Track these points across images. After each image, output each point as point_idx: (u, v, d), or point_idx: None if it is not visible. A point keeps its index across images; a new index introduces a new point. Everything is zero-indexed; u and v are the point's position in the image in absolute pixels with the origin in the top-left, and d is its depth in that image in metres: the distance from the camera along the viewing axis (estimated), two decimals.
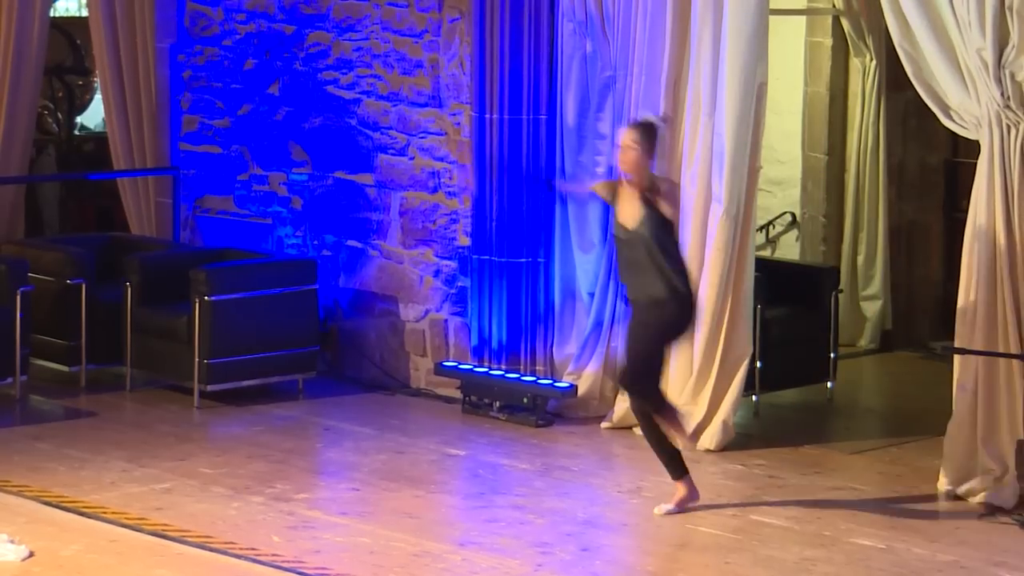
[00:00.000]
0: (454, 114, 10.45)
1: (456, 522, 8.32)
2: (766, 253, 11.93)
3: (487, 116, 10.14)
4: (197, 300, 10.05)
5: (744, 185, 9.44)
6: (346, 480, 8.90)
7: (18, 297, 9.99)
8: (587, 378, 9.91)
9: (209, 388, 10.10)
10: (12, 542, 7.52)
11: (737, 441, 9.45)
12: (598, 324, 9.93)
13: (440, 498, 8.61)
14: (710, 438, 9.36)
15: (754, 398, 10.00)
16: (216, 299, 10.07)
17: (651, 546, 7.99)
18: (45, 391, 10.28)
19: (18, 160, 11.62)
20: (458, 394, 10.17)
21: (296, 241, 11.19)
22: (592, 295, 9.99)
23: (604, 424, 9.80)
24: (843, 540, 7.95)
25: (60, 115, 13.33)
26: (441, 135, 10.53)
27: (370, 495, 8.59)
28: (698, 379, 9.45)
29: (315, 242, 11.07)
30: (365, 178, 10.85)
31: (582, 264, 10.05)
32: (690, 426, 8.66)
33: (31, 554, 7.49)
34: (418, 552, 7.71)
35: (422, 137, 10.60)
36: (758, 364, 9.83)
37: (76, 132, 13.47)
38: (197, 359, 10.05)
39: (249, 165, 11.39)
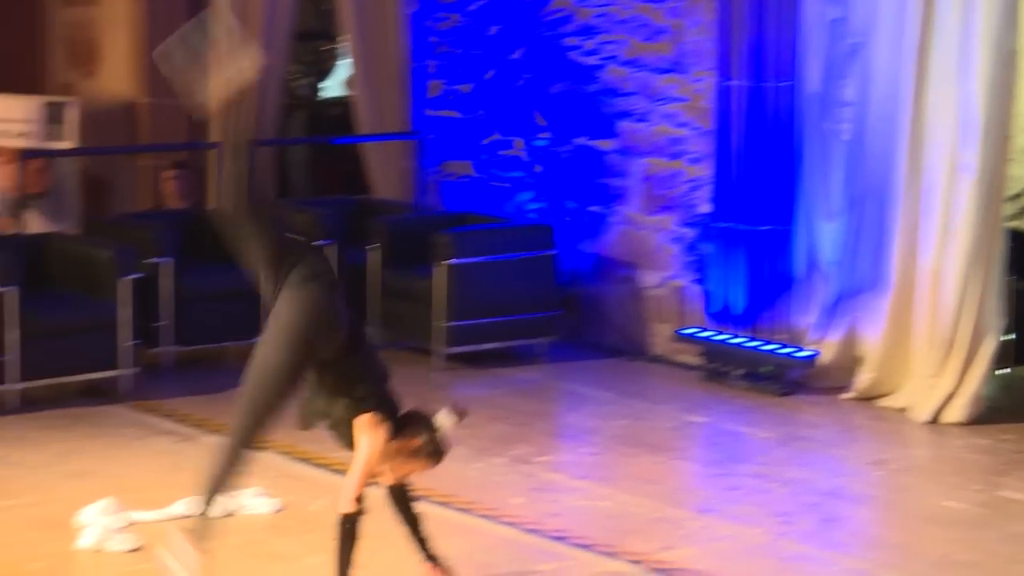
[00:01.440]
0: (696, 80, 10.40)
1: (696, 489, 8.30)
2: (1017, 224, 11.65)
3: (730, 82, 10.08)
4: (439, 263, 10.17)
5: (994, 154, 9.24)
6: (586, 444, 8.94)
7: None
8: (829, 348, 9.81)
9: (451, 351, 10.21)
10: (263, 495, 7.70)
11: (986, 415, 9.27)
12: (841, 293, 9.82)
13: (680, 464, 8.60)
14: (957, 410, 9.21)
15: (1004, 371, 9.79)
16: (457, 263, 10.18)
17: (895, 519, 7.88)
18: None
19: (268, 124, 11.86)
20: (698, 361, 10.15)
21: (536, 206, 11.25)
22: (835, 264, 9.88)
23: (846, 395, 9.69)
24: None
25: (308, 80, 13.56)
26: (683, 101, 10.49)
27: (610, 460, 8.61)
28: (946, 351, 9.28)
29: (556, 207, 11.12)
30: (606, 144, 10.86)
31: (825, 233, 9.94)
32: None
33: (281, 507, 7.67)
34: (658, 517, 7.71)
35: (664, 103, 10.57)
36: (1009, 336, 9.63)
37: (322, 96, 13.70)
38: (439, 322, 10.17)
39: (491, 130, 11.48)
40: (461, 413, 6.32)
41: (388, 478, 6.33)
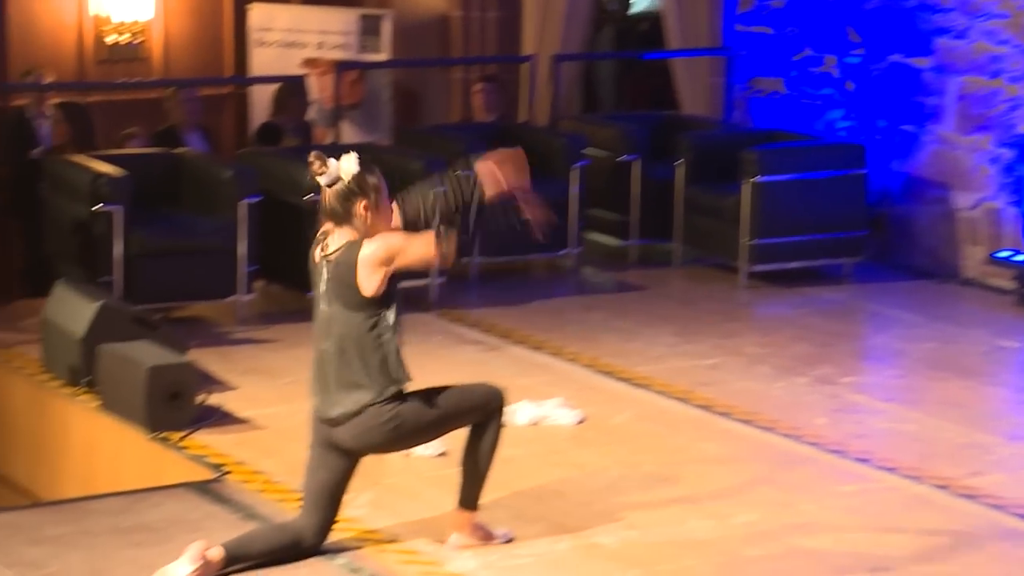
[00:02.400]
0: None
1: (1007, 415, 8.10)
2: None
3: None
4: (746, 181, 10.08)
5: None
6: (892, 366, 8.80)
7: (575, 171, 10.25)
8: None
9: (755, 268, 10.13)
10: (566, 407, 7.76)
11: None
12: None
13: (991, 390, 8.40)
14: None
15: None
16: (765, 180, 10.07)
17: None
18: (597, 263, 10.54)
19: (578, 39, 11.88)
20: (1011, 285, 9.88)
21: (847, 124, 11.06)
22: None
23: None
24: None
25: None
26: (1004, 18, 10.16)
27: (917, 383, 8.46)
28: None
29: (867, 126, 10.92)
30: (922, 61, 10.60)
31: None
32: None
33: (583, 419, 7.73)
34: (966, 443, 7.55)
35: (984, 20, 10.26)
36: None
37: (632, 11, 13.66)
38: (745, 239, 10.09)
39: (802, 46, 11.30)
40: (362, 163, 5.96)
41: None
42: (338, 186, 5.93)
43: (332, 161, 5.95)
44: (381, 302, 5.96)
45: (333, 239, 6.00)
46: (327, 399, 6.04)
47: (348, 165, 5.95)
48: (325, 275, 6.01)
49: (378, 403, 5.99)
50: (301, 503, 6.19)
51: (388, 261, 5.92)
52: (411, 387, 6.09)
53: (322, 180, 5.94)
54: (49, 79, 11.02)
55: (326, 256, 6.00)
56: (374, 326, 5.96)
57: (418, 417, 6.05)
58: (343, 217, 5.95)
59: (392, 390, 6.00)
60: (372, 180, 5.95)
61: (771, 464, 7.28)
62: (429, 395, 6.10)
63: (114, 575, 6.05)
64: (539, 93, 11.60)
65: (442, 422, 6.13)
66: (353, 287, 5.93)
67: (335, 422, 6.02)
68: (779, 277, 10.15)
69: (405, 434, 6.08)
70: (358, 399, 5.98)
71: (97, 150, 9.98)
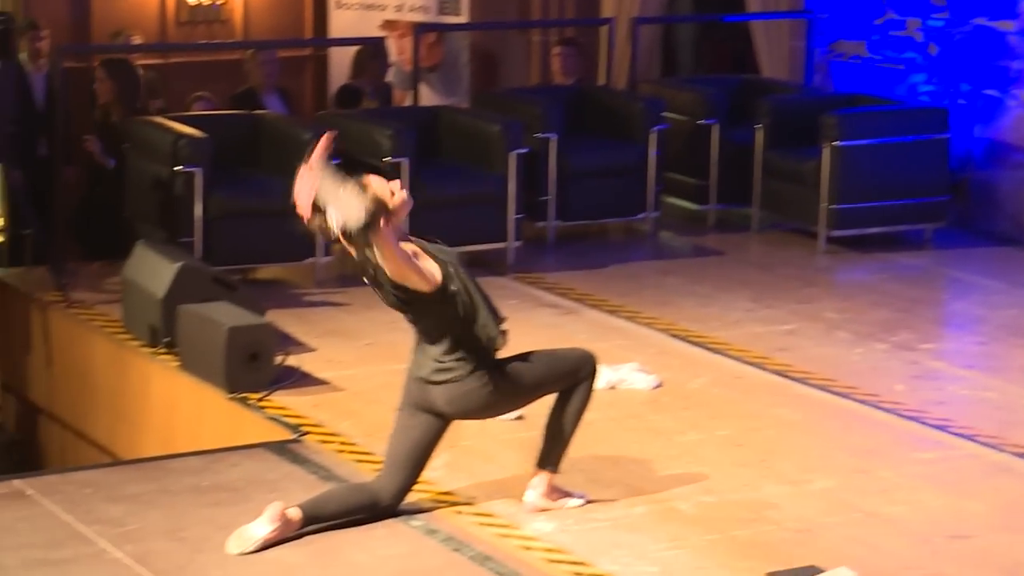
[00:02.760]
0: None
1: None
2: None
3: None
4: (827, 145, 10.01)
5: None
6: (973, 333, 8.73)
7: (653, 135, 10.22)
8: None
9: (834, 233, 10.07)
10: (643, 371, 7.75)
11: None
12: None
13: None
14: None
15: None
16: (846, 145, 10.00)
17: None
18: (675, 227, 10.51)
19: (657, 1, 11.82)
20: None
21: (929, 88, 10.95)
22: None
23: None
24: None
25: None
26: None
27: (998, 350, 8.39)
28: None
29: (949, 90, 10.81)
30: (1007, 25, 10.48)
31: None
32: None
33: (660, 384, 7.72)
34: None
35: None
36: None
37: None
38: (824, 204, 10.02)
39: (885, 10, 11.20)
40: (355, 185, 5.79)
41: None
42: (352, 234, 5.83)
43: (330, 213, 5.79)
44: (446, 284, 5.97)
45: (374, 255, 5.94)
46: (426, 363, 6.09)
47: (348, 214, 5.76)
48: (384, 300, 6.04)
49: (478, 371, 6.04)
50: (383, 464, 6.22)
51: (402, 264, 5.88)
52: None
53: (338, 235, 5.85)
54: (137, 40, 11.07)
55: (374, 282, 6.02)
56: (454, 305, 5.98)
57: (515, 380, 6.10)
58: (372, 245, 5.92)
59: (492, 356, 6.05)
60: (371, 205, 5.76)
61: (848, 430, 7.25)
62: (524, 360, 6.15)
63: (192, 533, 6.10)
64: (618, 56, 11.55)
65: (536, 387, 6.17)
66: (415, 294, 5.96)
67: (433, 383, 6.06)
68: (859, 242, 10.09)
69: (501, 398, 6.12)
70: (459, 366, 6.03)
71: (143, 107, 10.03)
